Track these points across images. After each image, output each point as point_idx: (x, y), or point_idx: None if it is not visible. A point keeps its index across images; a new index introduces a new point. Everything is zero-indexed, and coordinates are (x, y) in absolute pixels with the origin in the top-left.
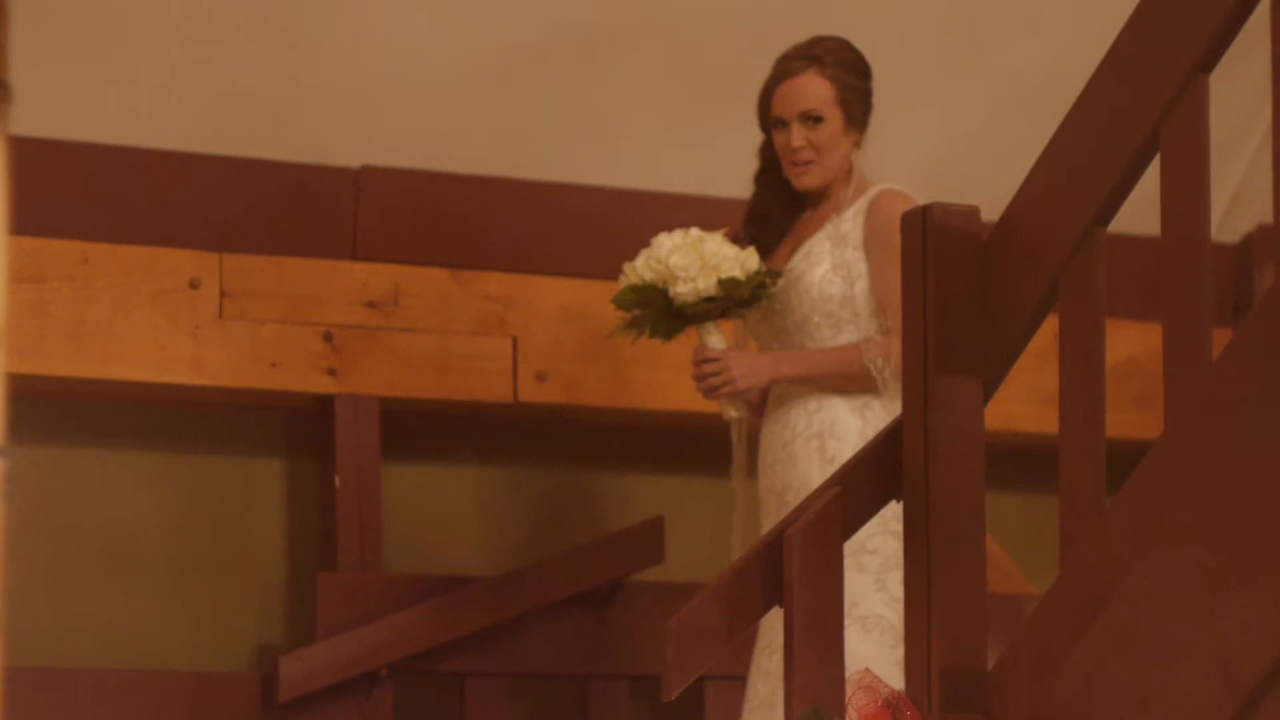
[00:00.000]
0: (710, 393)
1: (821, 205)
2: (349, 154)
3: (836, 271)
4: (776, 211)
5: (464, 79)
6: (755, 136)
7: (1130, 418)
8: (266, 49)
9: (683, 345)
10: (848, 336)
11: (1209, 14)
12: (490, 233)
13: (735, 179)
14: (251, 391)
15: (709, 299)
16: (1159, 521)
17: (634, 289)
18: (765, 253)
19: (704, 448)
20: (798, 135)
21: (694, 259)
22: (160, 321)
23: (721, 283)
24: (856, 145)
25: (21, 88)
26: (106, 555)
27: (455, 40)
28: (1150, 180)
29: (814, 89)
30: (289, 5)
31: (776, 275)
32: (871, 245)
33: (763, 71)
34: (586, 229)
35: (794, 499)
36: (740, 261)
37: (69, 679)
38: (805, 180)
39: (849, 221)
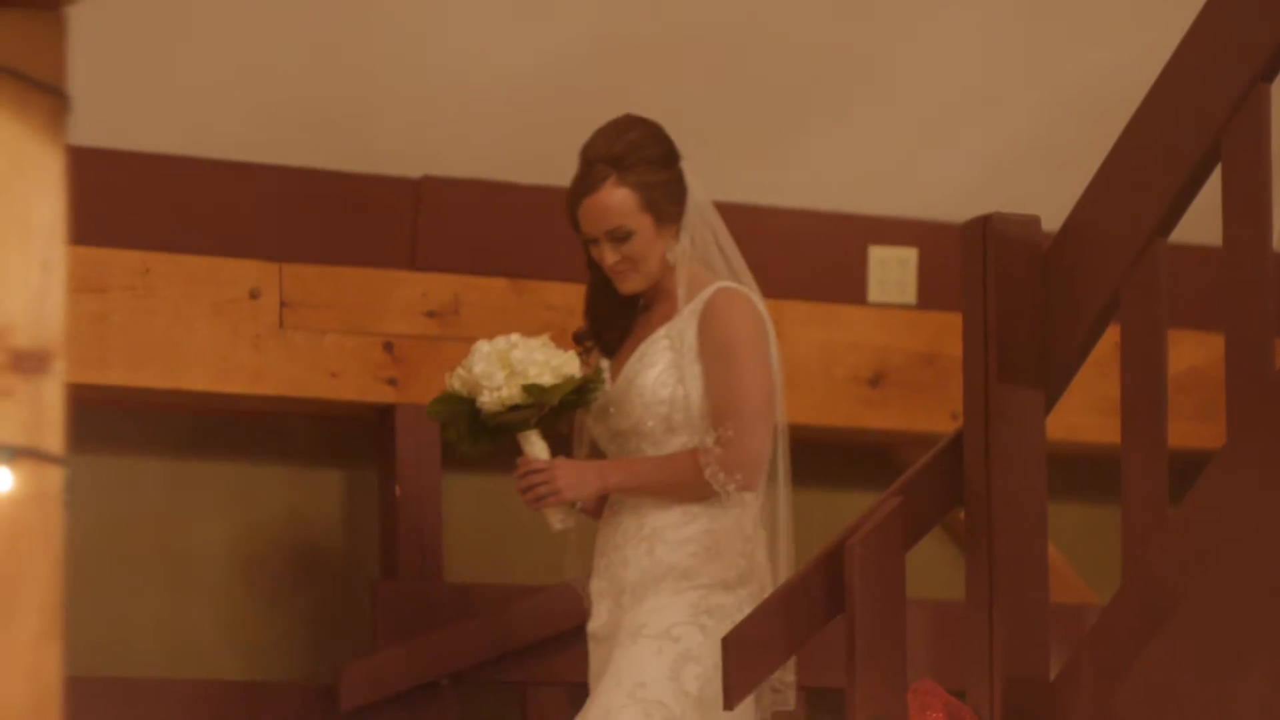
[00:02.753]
0: (536, 503)
1: (657, 302)
2: (409, 164)
3: (670, 373)
4: (615, 311)
5: (523, 89)
6: (817, 145)
7: (1192, 427)
8: (327, 60)
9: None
10: (681, 440)
11: (1271, 23)
12: (550, 242)
13: (795, 189)
14: (312, 401)
15: (514, 407)
16: (1222, 531)
17: (441, 400)
18: (611, 352)
19: None
20: (609, 253)
21: (498, 367)
22: (221, 331)
23: (526, 389)
24: (675, 238)
25: (81, 97)
26: (167, 564)
27: (514, 50)
28: (1212, 189)
29: (616, 203)
30: (349, 16)
31: (595, 380)
32: (706, 351)
33: (824, 80)
34: None
35: (629, 602)
36: (553, 368)
37: (129, 689)
38: (628, 287)
39: (684, 321)
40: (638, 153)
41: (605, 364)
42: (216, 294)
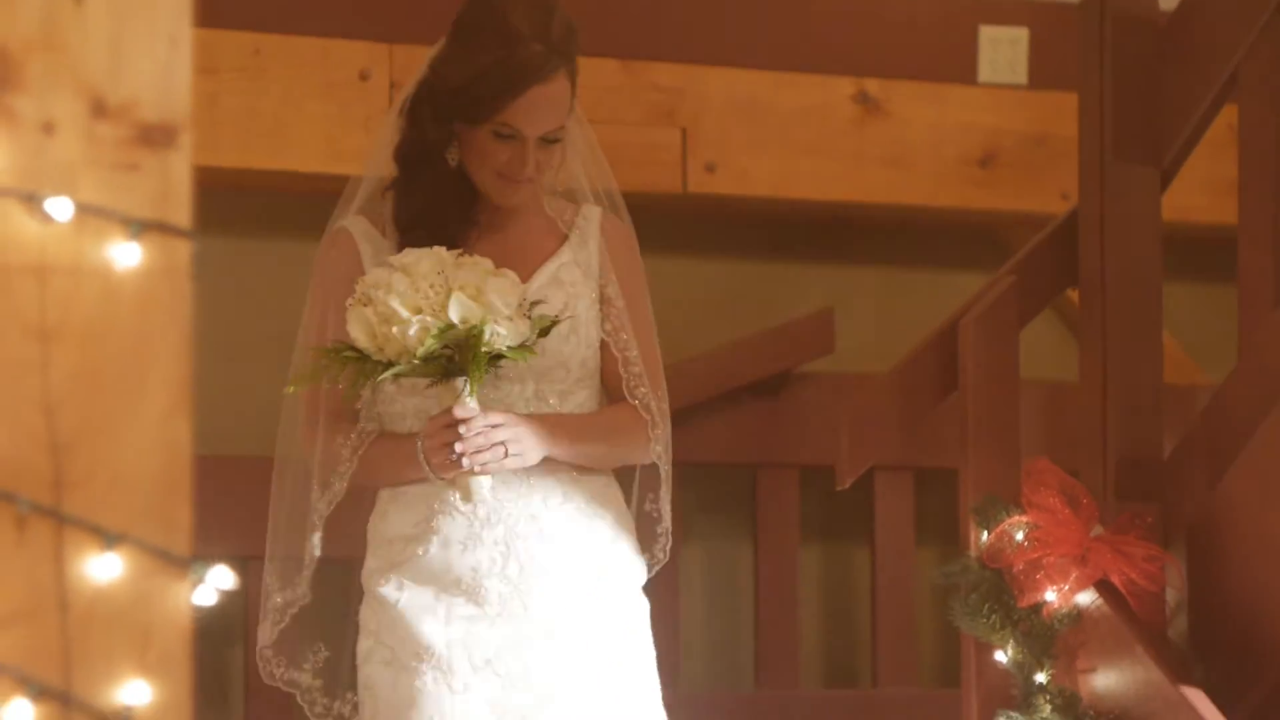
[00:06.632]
0: (485, 466)
1: (513, 218)
2: None
3: (596, 310)
4: (451, 219)
5: None
6: None
7: None
8: None
9: (857, 129)
10: (587, 393)
11: None
12: (660, 23)
13: None
14: None
15: (520, 345)
16: None
17: (444, 331)
18: None
19: (873, 239)
20: (531, 157)
21: (512, 291)
22: (330, 113)
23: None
24: None
25: None
26: (278, 345)
27: None
28: None
29: (562, 98)
30: None
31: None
32: (631, 299)
33: None
34: (757, 18)
35: (541, 584)
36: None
37: (245, 467)
38: (515, 200)
39: (586, 251)
40: (573, 41)
41: None
42: (326, 75)
